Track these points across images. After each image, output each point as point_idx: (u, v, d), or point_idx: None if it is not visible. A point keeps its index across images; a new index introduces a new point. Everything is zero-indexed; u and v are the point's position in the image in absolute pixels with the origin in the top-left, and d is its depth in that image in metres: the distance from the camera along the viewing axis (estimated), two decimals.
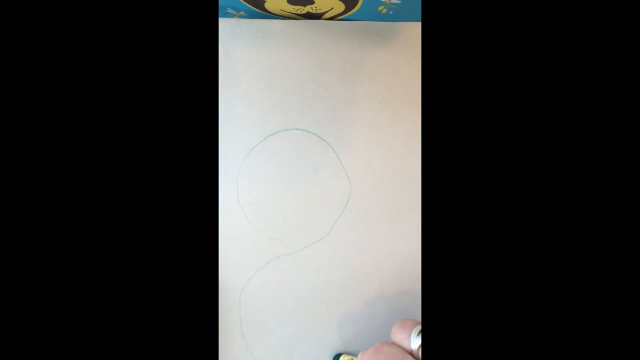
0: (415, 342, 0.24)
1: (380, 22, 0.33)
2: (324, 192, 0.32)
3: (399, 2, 0.31)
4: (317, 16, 0.33)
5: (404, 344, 0.25)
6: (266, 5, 0.31)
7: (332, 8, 0.32)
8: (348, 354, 0.30)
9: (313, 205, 0.32)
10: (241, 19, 0.33)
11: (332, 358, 0.31)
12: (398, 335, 0.25)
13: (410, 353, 0.24)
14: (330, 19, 0.33)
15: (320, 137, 0.32)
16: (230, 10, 0.32)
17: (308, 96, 0.32)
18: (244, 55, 0.33)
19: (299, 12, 0.32)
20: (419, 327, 0.25)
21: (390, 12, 0.32)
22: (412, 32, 0.33)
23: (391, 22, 0.33)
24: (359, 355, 0.26)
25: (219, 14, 0.33)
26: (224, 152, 0.32)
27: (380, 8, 0.32)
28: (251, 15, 0.33)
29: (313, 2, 0.31)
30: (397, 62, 0.33)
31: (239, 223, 0.31)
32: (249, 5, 0.32)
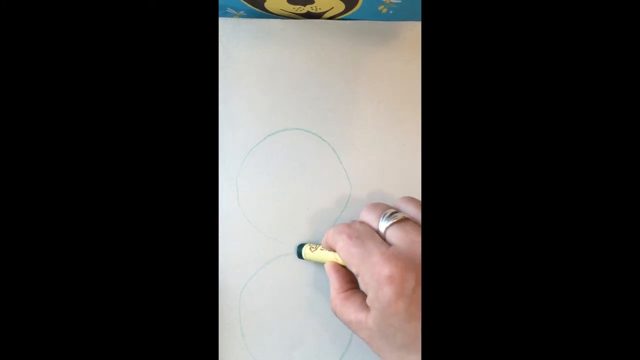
0: (383, 225, 0.25)
1: (380, 22, 0.33)
2: (324, 192, 0.32)
3: (399, 1, 0.31)
4: (317, 16, 0.33)
5: (373, 224, 0.26)
6: (266, 4, 0.31)
7: (332, 8, 0.31)
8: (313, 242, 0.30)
9: (313, 205, 0.32)
10: (241, 19, 0.33)
11: (296, 248, 0.31)
12: (368, 217, 0.26)
13: (377, 232, 0.25)
14: (330, 18, 0.33)
15: (320, 137, 0.32)
16: (230, 10, 0.32)
17: (308, 96, 0.32)
18: (244, 55, 0.32)
19: (298, 11, 0.32)
20: (390, 211, 0.25)
21: (391, 12, 0.32)
22: (412, 32, 0.33)
23: (391, 22, 0.33)
24: (328, 230, 0.26)
25: (219, 13, 0.33)
26: (223, 152, 0.32)
27: (380, 8, 0.32)
28: (251, 15, 0.33)
29: (313, 2, 0.31)
30: (397, 62, 0.33)
31: (239, 223, 0.31)
32: (249, 5, 0.31)
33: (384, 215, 0.25)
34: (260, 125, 0.32)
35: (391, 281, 0.22)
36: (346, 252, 0.25)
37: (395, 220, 0.25)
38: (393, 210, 0.26)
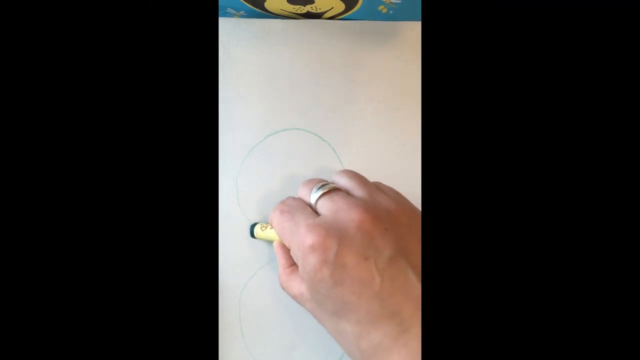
0: (314, 197, 0.26)
1: (381, 22, 0.33)
2: None
3: (399, 1, 0.31)
4: (317, 16, 0.33)
5: (306, 199, 0.27)
6: (266, 4, 0.31)
7: (332, 8, 0.31)
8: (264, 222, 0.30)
9: None
10: (241, 19, 0.33)
11: (249, 228, 0.31)
12: (302, 192, 0.27)
13: (310, 206, 0.26)
14: (330, 18, 0.33)
15: (320, 137, 0.32)
16: (230, 10, 0.32)
17: (308, 96, 0.32)
18: (244, 55, 0.32)
19: (298, 11, 0.32)
20: (321, 183, 0.26)
21: (391, 12, 0.32)
22: (412, 32, 0.33)
23: (391, 22, 0.33)
24: (270, 214, 0.27)
25: (219, 13, 0.33)
26: (223, 151, 0.32)
27: (380, 7, 0.32)
28: (251, 15, 0.33)
29: (313, 2, 0.31)
30: (397, 62, 0.33)
31: (239, 223, 0.31)
32: (249, 5, 0.31)
33: (315, 188, 0.26)
34: (260, 125, 0.32)
35: (314, 250, 0.22)
36: (278, 227, 0.26)
37: (324, 192, 0.25)
38: (324, 183, 0.26)
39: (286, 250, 0.28)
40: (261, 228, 0.30)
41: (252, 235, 0.30)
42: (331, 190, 0.26)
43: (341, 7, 0.31)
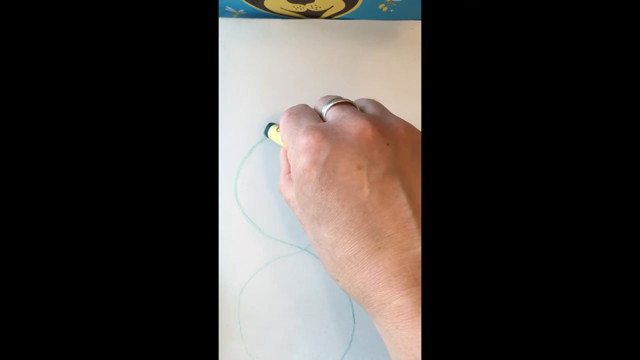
0: (326, 107, 0.26)
1: (381, 21, 0.33)
2: None
3: (400, 0, 0.31)
4: (316, 14, 0.32)
5: (318, 109, 0.27)
6: (266, 3, 0.31)
7: (332, 6, 0.31)
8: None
9: None
10: (241, 19, 0.33)
11: (265, 126, 0.31)
12: (317, 104, 0.27)
13: (320, 116, 0.26)
14: (330, 17, 0.33)
15: None
16: (229, 9, 0.32)
17: (308, 95, 0.32)
18: (244, 55, 0.32)
19: (298, 10, 0.32)
20: (336, 96, 0.26)
21: (391, 11, 0.32)
22: (412, 31, 0.33)
23: (391, 21, 0.33)
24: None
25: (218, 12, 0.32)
26: (223, 152, 0.32)
27: (380, 6, 0.32)
28: (250, 14, 0.33)
29: (313, 0, 0.31)
30: (397, 61, 0.33)
31: (239, 223, 0.31)
32: (249, 4, 0.31)
33: (329, 99, 0.26)
34: (260, 125, 0.32)
35: (307, 149, 0.22)
36: (282, 128, 0.26)
37: (336, 102, 0.25)
38: (339, 97, 0.26)
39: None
40: (276, 129, 0.30)
41: (266, 134, 0.31)
42: (344, 102, 0.25)
43: (341, 5, 0.31)
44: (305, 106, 0.27)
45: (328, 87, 0.32)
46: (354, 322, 0.31)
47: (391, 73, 0.33)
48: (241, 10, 0.32)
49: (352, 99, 0.32)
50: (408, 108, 0.32)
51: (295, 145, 0.23)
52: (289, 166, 0.27)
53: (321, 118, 0.26)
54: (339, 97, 0.26)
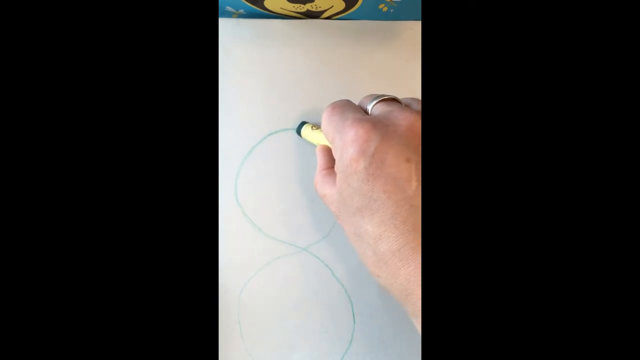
0: (372, 103, 0.25)
1: (381, 21, 0.33)
2: None
3: (400, 0, 0.31)
4: (316, 14, 0.32)
5: (363, 105, 0.26)
6: (266, 3, 0.31)
7: (332, 6, 0.31)
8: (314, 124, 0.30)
9: (313, 206, 0.31)
10: (241, 19, 0.33)
11: (297, 124, 0.31)
12: (362, 101, 0.27)
13: (365, 112, 0.26)
14: (330, 17, 0.33)
15: None
16: (229, 9, 0.32)
17: (308, 95, 0.32)
18: (244, 55, 0.32)
19: (298, 10, 0.32)
20: (382, 93, 0.26)
21: (391, 11, 0.32)
22: (412, 31, 0.33)
23: (391, 21, 0.33)
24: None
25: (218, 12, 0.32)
26: (223, 152, 0.32)
27: (380, 6, 0.32)
28: (250, 14, 0.33)
29: (313, 0, 0.31)
30: (397, 61, 0.33)
31: (239, 224, 0.31)
32: (249, 4, 0.31)
33: (375, 97, 0.26)
34: (260, 125, 0.32)
35: (355, 140, 0.22)
36: (326, 121, 0.25)
37: (383, 99, 0.25)
38: (384, 94, 0.26)
39: (327, 153, 0.28)
40: (311, 127, 0.30)
41: (299, 133, 0.31)
42: (390, 98, 0.25)
43: (341, 5, 0.31)
44: (349, 101, 0.26)
45: (328, 86, 0.32)
46: (354, 322, 0.31)
47: (391, 73, 0.33)
48: (241, 11, 0.32)
49: (352, 99, 0.32)
50: None
51: (343, 137, 0.23)
52: (326, 162, 0.27)
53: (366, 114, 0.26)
54: (385, 94, 0.26)
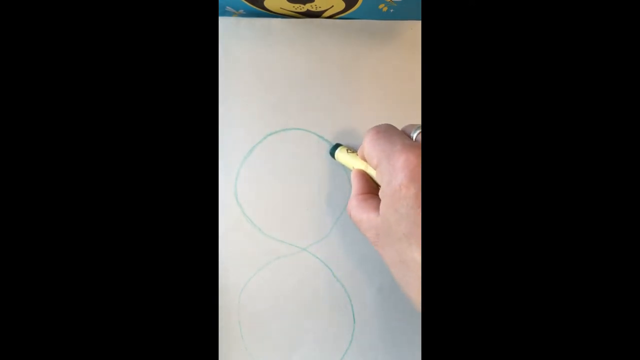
0: (415, 132, 0.25)
1: (381, 21, 0.33)
2: (324, 192, 0.32)
3: (400, 0, 0.31)
4: (316, 14, 0.32)
5: (407, 131, 0.26)
6: (266, 3, 0.31)
7: (332, 6, 0.31)
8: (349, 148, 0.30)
9: (313, 206, 0.31)
10: (241, 18, 0.33)
11: (331, 146, 0.31)
12: (406, 128, 0.27)
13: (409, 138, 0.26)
14: (330, 17, 0.33)
15: (321, 137, 0.32)
16: (229, 9, 0.32)
17: (308, 95, 0.32)
18: (244, 54, 0.32)
19: (298, 10, 0.32)
20: (420, 129, 0.26)
21: (391, 11, 0.32)
22: (412, 31, 0.33)
23: (391, 21, 0.33)
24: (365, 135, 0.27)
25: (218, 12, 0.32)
26: (223, 151, 0.31)
27: (380, 6, 0.32)
28: (250, 14, 0.33)
29: (313, 0, 0.31)
30: (397, 61, 0.33)
31: (239, 224, 0.31)
32: (249, 4, 0.31)
33: (418, 127, 0.26)
34: (260, 125, 0.32)
35: (406, 165, 0.22)
36: (371, 144, 0.25)
37: None
38: None
39: (364, 180, 0.27)
40: (347, 151, 0.30)
41: (332, 155, 0.31)
42: None
43: (341, 5, 0.31)
44: (392, 125, 0.26)
45: (328, 86, 0.32)
46: (354, 322, 0.31)
47: (391, 73, 0.33)
48: (241, 10, 0.32)
49: (352, 98, 0.32)
50: (408, 108, 0.32)
51: (392, 162, 0.23)
52: (362, 187, 0.27)
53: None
54: None
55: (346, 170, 0.32)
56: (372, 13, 0.32)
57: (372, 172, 0.27)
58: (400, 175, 0.22)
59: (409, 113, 0.32)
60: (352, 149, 0.30)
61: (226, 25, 0.32)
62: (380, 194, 0.24)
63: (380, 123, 0.32)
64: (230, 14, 0.33)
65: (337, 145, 0.31)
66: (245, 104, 0.32)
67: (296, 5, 0.31)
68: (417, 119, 0.32)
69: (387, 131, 0.25)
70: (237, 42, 0.32)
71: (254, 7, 0.32)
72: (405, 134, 0.26)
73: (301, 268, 0.31)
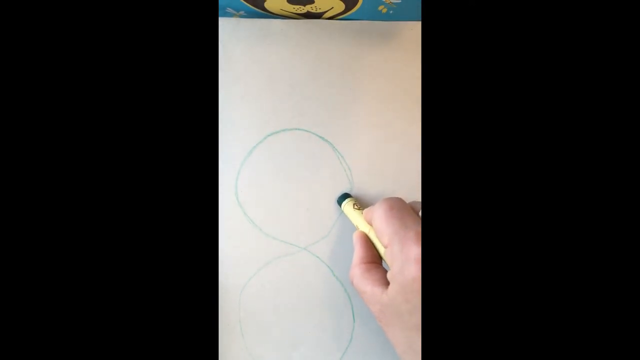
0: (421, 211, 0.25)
1: (380, 22, 0.33)
2: (325, 192, 0.32)
3: (399, 1, 0.31)
4: (317, 15, 0.33)
5: (416, 208, 0.26)
6: (266, 4, 0.31)
7: (332, 7, 0.31)
8: (356, 200, 0.30)
9: (313, 206, 0.31)
10: (241, 19, 0.33)
11: (340, 194, 0.31)
12: (415, 205, 0.27)
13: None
14: (330, 18, 0.33)
15: (321, 137, 0.32)
16: (229, 10, 0.32)
17: (308, 96, 0.32)
18: (244, 55, 0.32)
19: (298, 11, 0.32)
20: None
21: (391, 12, 0.32)
22: (412, 32, 0.33)
23: (391, 22, 0.33)
24: (374, 206, 0.26)
25: (219, 13, 0.32)
26: (223, 152, 0.32)
27: (380, 7, 0.32)
28: (250, 15, 0.33)
29: (313, 2, 0.31)
30: (397, 62, 0.33)
31: (239, 223, 0.31)
32: (249, 5, 0.31)
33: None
34: (260, 125, 0.32)
35: (420, 259, 0.22)
36: (383, 221, 0.25)
37: None
38: None
39: (368, 246, 0.27)
40: (354, 205, 0.29)
41: (339, 204, 0.30)
42: None
43: (341, 7, 0.31)
44: (403, 202, 0.26)
45: (328, 87, 0.32)
46: (354, 322, 0.31)
47: (391, 74, 0.33)
48: (241, 12, 0.32)
49: (352, 98, 0.32)
50: (408, 109, 0.32)
51: (405, 250, 0.23)
52: (365, 254, 0.27)
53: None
54: None
55: (346, 170, 0.32)
56: (371, 14, 0.32)
57: (375, 239, 0.27)
58: (414, 269, 0.22)
59: (409, 113, 0.32)
60: (359, 205, 0.30)
61: (226, 26, 0.33)
62: (389, 276, 0.24)
63: (380, 124, 0.32)
64: (230, 15, 0.33)
65: (346, 195, 0.31)
66: (246, 104, 0.32)
67: (296, 7, 0.31)
68: (417, 119, 0.32)
69: (401, 210, 0.25)
70: (238, 43, 0.33)
71: (255, 8, 0.32)
72: (414, 211, 0.26)
73: (301, 267, 0.31)
